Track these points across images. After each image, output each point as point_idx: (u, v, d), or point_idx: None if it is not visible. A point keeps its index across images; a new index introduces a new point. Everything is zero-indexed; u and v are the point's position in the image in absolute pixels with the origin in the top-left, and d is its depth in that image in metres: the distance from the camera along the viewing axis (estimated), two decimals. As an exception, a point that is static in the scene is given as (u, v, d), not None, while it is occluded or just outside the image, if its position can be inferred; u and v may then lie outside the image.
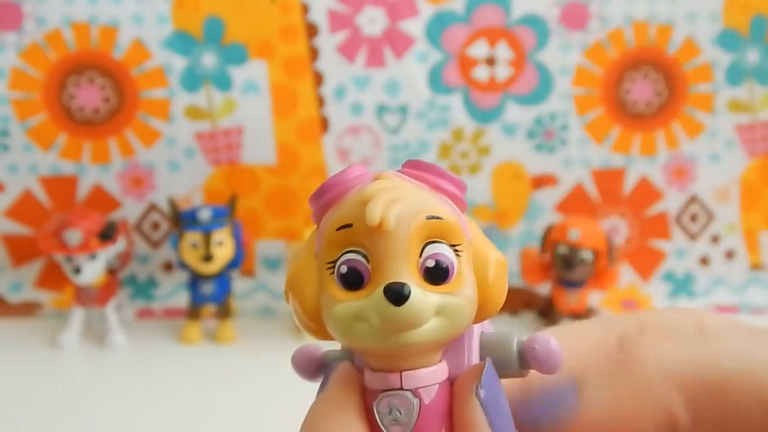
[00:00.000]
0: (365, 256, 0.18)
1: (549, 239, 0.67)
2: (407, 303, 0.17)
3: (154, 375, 0.62)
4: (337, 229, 0.19)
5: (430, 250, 0.18)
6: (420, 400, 0.19)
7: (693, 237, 0.76)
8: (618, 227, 0.76)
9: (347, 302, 0.18)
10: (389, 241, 0.18)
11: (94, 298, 0.66)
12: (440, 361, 0.19)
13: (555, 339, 0.19)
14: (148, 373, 0.62)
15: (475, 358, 0.20)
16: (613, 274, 0.68)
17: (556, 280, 0.68)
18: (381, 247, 0.18)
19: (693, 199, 0.76)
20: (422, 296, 0.18)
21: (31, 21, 0.68)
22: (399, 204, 0.18)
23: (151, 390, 0.58)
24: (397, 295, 0.17)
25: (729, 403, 0.18)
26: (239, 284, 0.72)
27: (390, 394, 0.19)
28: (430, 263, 0.18)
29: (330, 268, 0.19)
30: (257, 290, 0.73)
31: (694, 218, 0.76)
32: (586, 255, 0.64)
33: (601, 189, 0.75)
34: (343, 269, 0.19)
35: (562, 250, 0.65)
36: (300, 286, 0.20)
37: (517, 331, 0.20)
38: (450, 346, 0.19)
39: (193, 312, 0.67)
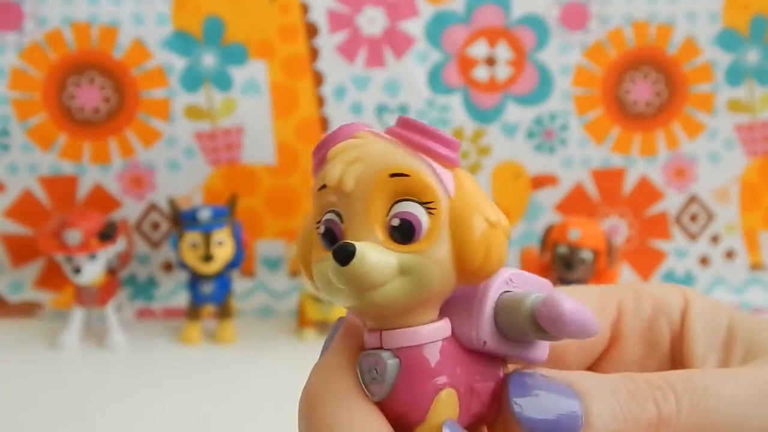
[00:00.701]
0: (340, 216, 0.18)
1: (549, 239, 0.66)
2: (353, 262, 0.17)
3: (154, 375, 0.62)
4: (318, 191, 0.19)
5: (398, 208, 0.18)
6: (401, 360, 0.18)
7: (693, 237, 0.76)
8: (618, 227, 0.76)
9: (323, 261, 0.18)
10: (352, 200, 0.18)
11: (94, 298, 0.66)
12: (436, 320, 0.19)
13: (574, 300, 0.18)
14: (148, 373, 0.62)
15: (485, 319, 0.19)
16: (613, 274, 0.67)
17: (556, 280, 0.68)
18: (347, 207, 0.18)
19: (693, 199, 0.76)
20: (375, 255, 0.17)
21: (31, 21, 0.68)
22: (358, 163, 0.18)
23: (151, 390, 0.58)
24: (341, 254, 0.17)
25: None
26: (239, 284, 0.72)
27: (369, 353, 0.19)
28: (395, 222, 0.18)
29: (318, 227, 0.19)
30: (257, 290, 0.73)
31: (694, 218, 0.76)
32: (586, 255, 0.64)
33: (601, 189, 0.75)
34: (321, 229, 0.19)
35: (562, 250, 0.65)
36: (302, 244, 0.20)
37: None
38: (459, 303, 0.19)
39: (193, 312, 0.67)
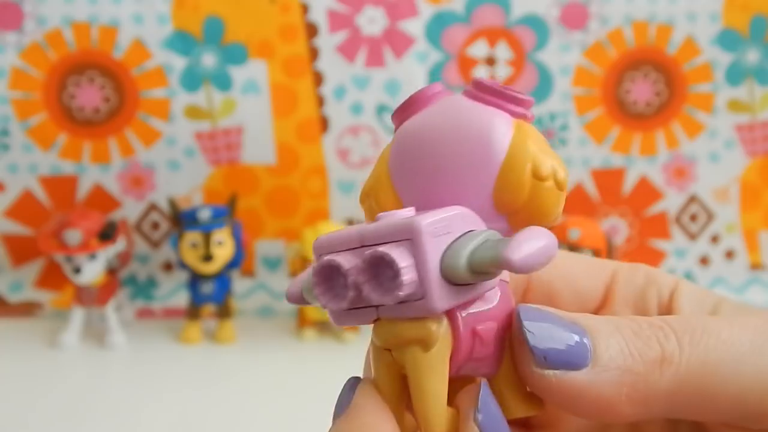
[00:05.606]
0: None
1: (549, 239, 0.66)
2: None
3: (154, 375, 0.62)
4: None
5: None
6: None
7: (693, 237, 0.76)
8: (618, 227, 0.76)
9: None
10: None
11: (94, 298, 0.66)
12: None
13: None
14: (148, 373, 0.62)
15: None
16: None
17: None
18: None
19: (693, 199, 0.76)
20: None
21: (31, 21, 0.68)
22: None
23: (151, 390, 0.58)
24: None
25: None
26: (239, 284, 0.72)
27: None
28: None
29: None
30: (257, 290, 0.73)
31: (693, 218, 0.76)
32: (586, 255, 0.64)
33: (601, 189, 0.75)
34: None
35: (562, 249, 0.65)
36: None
37: None
38: None
39: (193, 312, 0.67)
